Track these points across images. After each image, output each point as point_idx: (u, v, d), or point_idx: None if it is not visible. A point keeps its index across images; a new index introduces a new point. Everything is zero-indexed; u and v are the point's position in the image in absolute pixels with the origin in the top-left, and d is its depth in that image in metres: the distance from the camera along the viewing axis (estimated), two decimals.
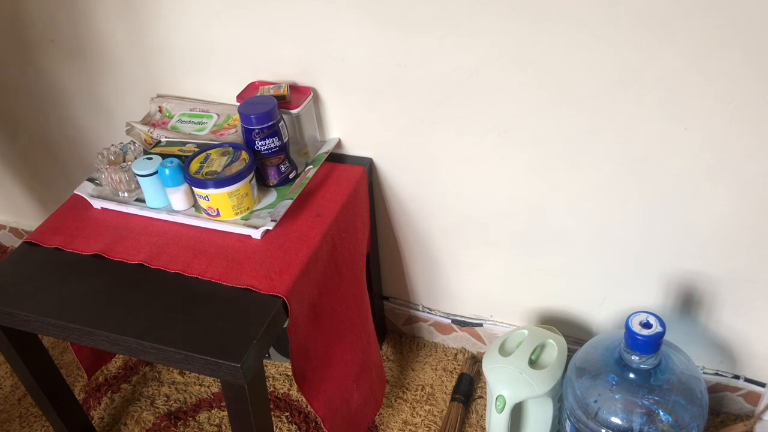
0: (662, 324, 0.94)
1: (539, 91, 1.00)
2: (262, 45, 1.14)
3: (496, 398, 1.11)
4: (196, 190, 1.04)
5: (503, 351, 1.16)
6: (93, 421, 1.38)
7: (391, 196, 1.26)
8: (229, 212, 1.05)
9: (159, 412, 1.40)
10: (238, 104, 1.08)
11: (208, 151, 1.08)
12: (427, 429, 1.32)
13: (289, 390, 1.41)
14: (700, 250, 1.08)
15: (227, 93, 1.23)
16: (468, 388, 1.36)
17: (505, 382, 1.10)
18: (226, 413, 1.38)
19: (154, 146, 1.16)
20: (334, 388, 1.11)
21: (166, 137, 1.18)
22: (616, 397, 0.98)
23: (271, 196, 1.10)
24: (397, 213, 1.28)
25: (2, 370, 1.53)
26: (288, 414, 1.36)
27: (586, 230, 1.14)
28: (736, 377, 1.22)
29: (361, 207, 1.18)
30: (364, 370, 1.20)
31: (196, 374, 1.45)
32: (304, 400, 1.29)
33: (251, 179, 1.05)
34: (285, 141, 1.08)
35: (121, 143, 1.16)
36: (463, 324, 1.42)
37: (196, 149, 1.12)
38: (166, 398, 1.43)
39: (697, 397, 0.98)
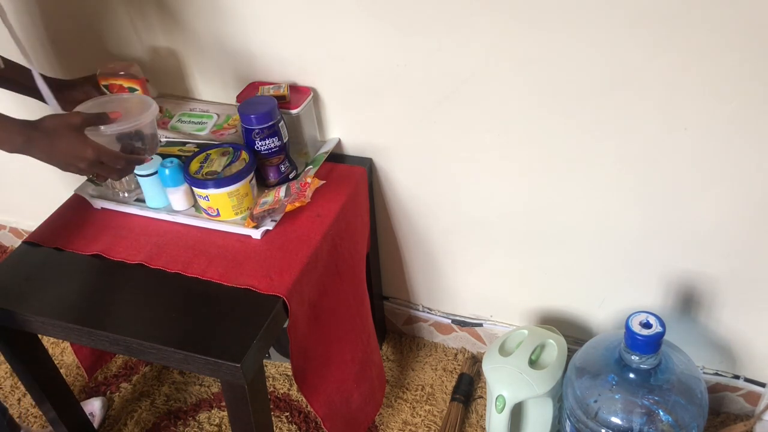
0: (662, 324, 0.94)
1: (539, 91, 1.00)
2: (262, 45, 1.14)
3: (496, 398, 1.11)
4: (196, 190, 1.04)
5: (503, 351, 1.16)
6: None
7: (391, 196, 1.26)
8: (229, 212, 1.05)
9: (159, 411, 1.40)
10: (238, 104, 1.08)
11: (208, 151, 1.08)
12: (427, 429, 1.32)
13: (289, 390, 1.41)
14: (700, 250, 1.08)
15: (227, 93, 1.23)
16: (468, 388, 1.36)
17: (505, 382, 1.10)
18: (226, 413, 1.38)
19: None
20: (334, 388, 1.11)
21: (166, 137, 1.17)
22: (616, 397, 0.98)
23: None
24: (397, 213, 1.28)
25: (2, 370, 1.53)
26: (288, 414, 1.36)
27: (585, 230, 1.14)
28: (736, 377, 1.22)
29: (361, 207, 1.18)
30: (364, 370, 1.20)
31: (196, 374, 1.45)
32: (304, 400, 1.29)
33: (251, 179, 1.05)
34: (285, 141, 1.08)
35: None
36: (463, 324, 1.42)
37: (196, 149, 1.12)
38: (166, 398, 1.42)
39: (697, 397, 0.98)
